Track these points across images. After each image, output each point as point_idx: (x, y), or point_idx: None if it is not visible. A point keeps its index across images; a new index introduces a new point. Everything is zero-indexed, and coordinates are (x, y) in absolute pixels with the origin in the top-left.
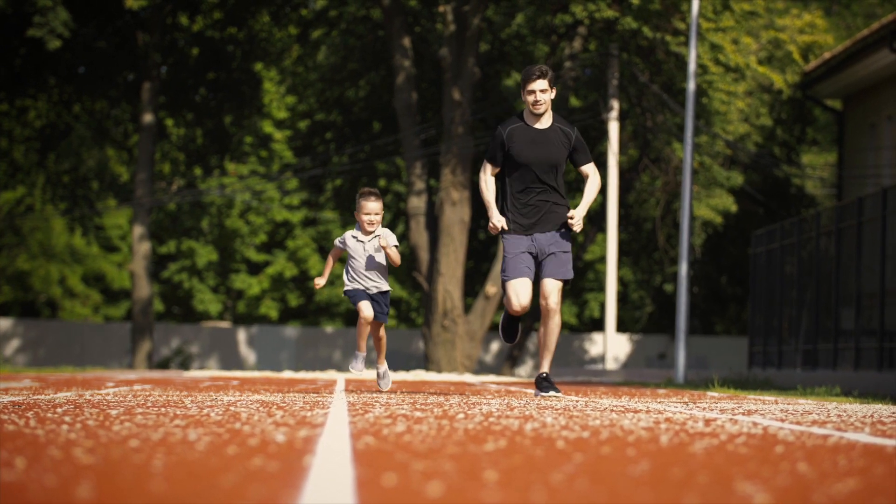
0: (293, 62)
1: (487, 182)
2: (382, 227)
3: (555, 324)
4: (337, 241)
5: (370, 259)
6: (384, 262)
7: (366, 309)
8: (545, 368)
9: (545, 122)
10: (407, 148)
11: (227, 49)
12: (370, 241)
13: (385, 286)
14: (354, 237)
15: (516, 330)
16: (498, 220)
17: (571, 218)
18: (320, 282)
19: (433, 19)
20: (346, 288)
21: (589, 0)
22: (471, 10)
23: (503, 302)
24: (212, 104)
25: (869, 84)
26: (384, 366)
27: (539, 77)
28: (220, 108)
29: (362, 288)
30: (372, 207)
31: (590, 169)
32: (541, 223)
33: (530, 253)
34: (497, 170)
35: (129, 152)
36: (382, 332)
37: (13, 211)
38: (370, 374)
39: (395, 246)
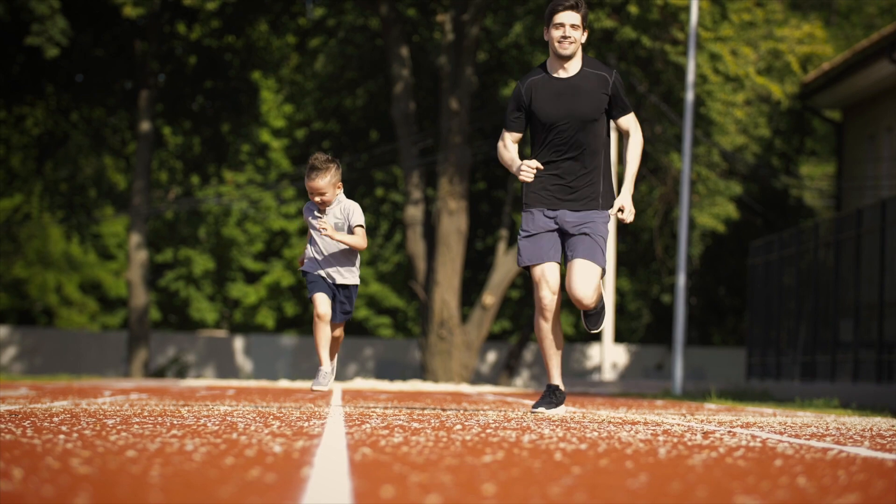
0: (291, 71)
1: (507, 146)
2: (356, 209)
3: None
4: (305, 210)
5: (328, 242)
6: (345, 247)
7: (320, 304)
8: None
9: (573, 68)
10: (404, 157)
11: (225, 58)
12: (328, 220)
13: (350, 279)
14: (311, 209)
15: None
16: (528, 161)
17: (621, 211)
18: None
19: (431, 28)
20: (304, 266)
21: (588, 10)
22: (469, 19)
23: (534, 298)
24: (209, 113)
25: (868, 95)
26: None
27: (570, 9)
28: (218, 117)
29: (322, 273)
30: (315, 187)
31: (629, 123)
32: (573, 199)
33: (552, 230)
34: (518, 137)
35: (126, 160)
36: (340, 331)
37: (10, 219)
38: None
39: (360, 226)
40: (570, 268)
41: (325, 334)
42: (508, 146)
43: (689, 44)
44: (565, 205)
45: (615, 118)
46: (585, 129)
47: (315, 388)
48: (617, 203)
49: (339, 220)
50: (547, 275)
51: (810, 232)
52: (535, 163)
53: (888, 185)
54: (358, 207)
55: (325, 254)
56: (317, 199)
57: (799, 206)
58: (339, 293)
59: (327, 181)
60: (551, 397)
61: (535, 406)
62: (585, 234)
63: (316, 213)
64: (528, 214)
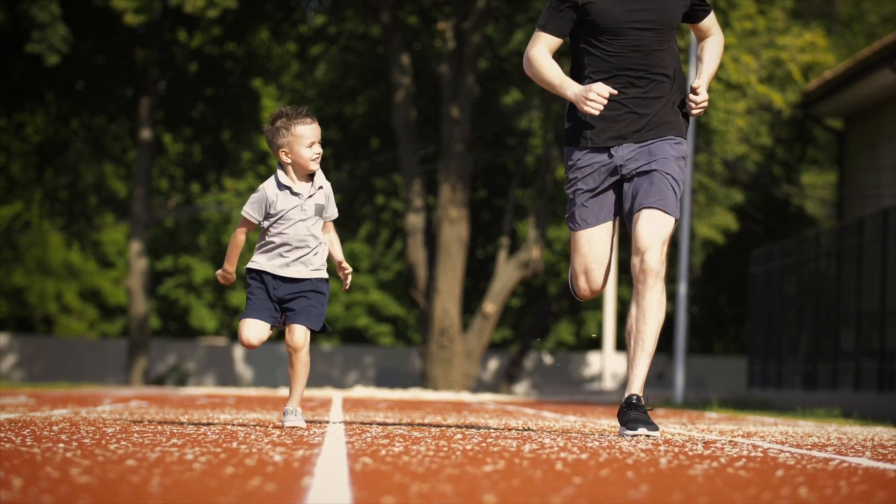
0: (292, 78)
1: (544, 56)
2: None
3: (655, 301)
4: (248, 210)
5: (308, 224)
6: (320, 235)
7: (250, 332)
8: (635, 389)
9: None
10: (405, 165)
11: (226, 65)
12: (312, 197)
13: (322, 270)
14: (287, 188)
15: None
16: (598, 86)
17: (695, 93)
18: (227, 275)
19: (432, 36)
20: (251, 265)
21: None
22: (470, 27)
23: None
24: (210, 120)
25: (870, 104)
26: (292, 405)
27: None
28: (219, 124)
29: (277, 270)
30: (313, 133)
31: (713, 23)
32: (638, 131)
33: (607, 188)
34: (558, 43)
35: (126, 168)
36: (301, 351)
37: (10, 226)
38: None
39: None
40: (636, 221)
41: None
42: (546, 57)
43: (690, 52)
44: (626, 138)
45: (698, 21)
46: (661, 40)
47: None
48: (696, 81)
49: (322, 203)
50: (587, 245)
51: (812, 241)
52: (607, 88)
53: (890, 195)
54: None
55: (301, 241)
56: (317, 151)
57: (800, 214)
58: (306, 296)
59: (319, 132)
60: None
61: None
62: (652, 171)
63: (294, 190)
64: (575, 154)
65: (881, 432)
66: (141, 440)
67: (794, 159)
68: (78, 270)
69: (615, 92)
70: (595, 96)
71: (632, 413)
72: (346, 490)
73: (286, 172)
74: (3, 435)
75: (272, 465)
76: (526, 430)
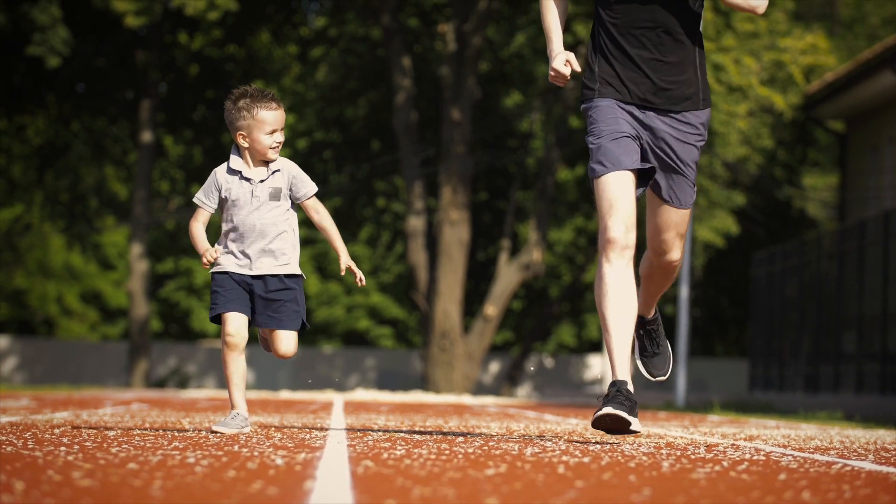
0: (292, 81)
1: (544, 3)
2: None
3: (663, 276)
4: (200, 196)
5: (263, 212)
6: (292, 220)
7: (233, 324)
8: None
9: None
10: (406, 167)
11: (227, 67)
12: (266, 181)
13: (292, 264)
14: (237, 172)
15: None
16: (561, 61)
17: None
18: (208, 255)
19: (433, 39)
20: (216, 268)
21: (591, 20)
22: (471, 29)
23: (599, 234)
24: (211, 122)
25: (871, 106)
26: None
27: None
28: (219, 127)
29: (241, 269)
30: (276, 118)
31: None
32: (660, 94)
33: (633, 136)
34: None
35: (127, 170)
36: (287, 346)
37: (11, 229)
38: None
39: (315, 195)
40: (661, 214)
41: (239, 368)
42: (550, 7)
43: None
44: (651, 102)
45: None
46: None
47: (218, 429)
48: None
49: (279, 186)
50: (616, 189)
51: (813, 243)
52: (568, 66)
53: (891, 197)
54: (296, 166)
55: (259, 233)
56: (278, 139)
57: (802, 217)
58: (275, 294)
59: (284, 116)
60: (620, 400)
61: (602, 409)
62: (673, 163)
63: (245, 174)
64: (598, 107)
65: (884, 435)
66: (142, 443)
67: (795, 161)
68: (79, 273)
69: (577, 67)
70: (558, 65)
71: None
72: (348, 493)
73: (241, 156)
74: (4, 438)
75: (274, 468)
76: (527, 433)
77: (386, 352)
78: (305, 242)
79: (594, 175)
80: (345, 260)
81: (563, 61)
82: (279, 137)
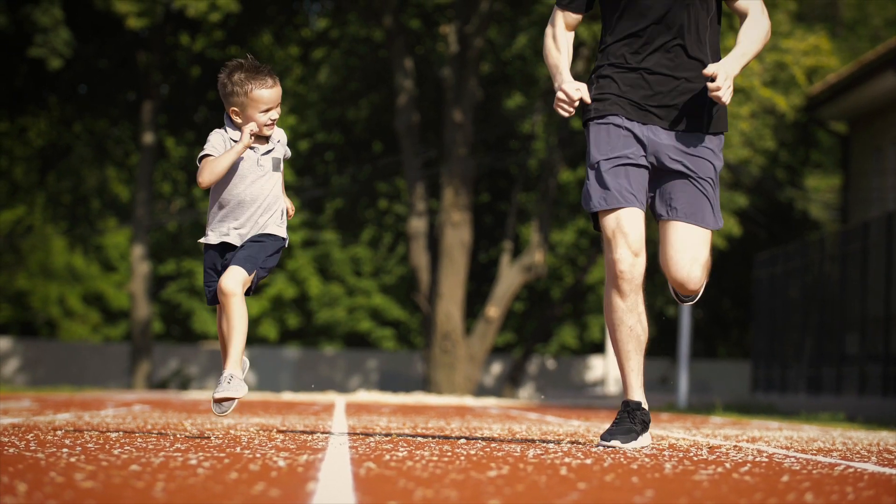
0: (294, 82)
1: (556, 37)
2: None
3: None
4: (210, 149)
5: (265, 183)
6: (280, 194)
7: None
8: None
9: None
10: (408, 169)
11: None
12: (270, 152)
13: (281, 228)
14: (237, 142)
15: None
16: (570, 86)
17: (712, 80)
18: (251, 132)
19: (435, 40)
20: (202, 238)
21: (593, 21)
22: (473, 31)
23: (605, 262)
24: (213, 124)
25: (874, 107)
26: (229, 369)
27: None
28: (221, 128)
29: (234, 238)
30: (272, 97)
31: (754, 5)
32: (666, 111)
33: (638, 164)
34: (576, 20)
35: (129, 172)
36: (233, 297)
37: (13, 231)
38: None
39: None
40: (666, 233)
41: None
42: (558, 36)
43: None
44: (655, 119)
45: None
46: (689, 8)
47: (217, 395)
48: (711, 68)
49: (279, 157)
50: (625, 225)
51: (816, 245)
52: (580, 92)
53: (894, 198)
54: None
55: (257, 204)
56: (274, 116)
57: (804, 218)
58: (256, 242)
59: (280, 94)
60: (630, 422)
61: (605, 436)
62: (686, 176)
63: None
64: (599, 128)
65: (886, 437)
66: (145, 445)
67: (797, 163)
68: (81, 274)
69: (588, 100)
70: (563, 96)
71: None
72: (351, 495)
73: (236, 129)
74: (6, 440)
75: (276, 470)
76: (530, 435)
77: (388, 353)
78: (306, 244)
79: (589, 207)
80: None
81: (576, 87)
82: (274, 114)
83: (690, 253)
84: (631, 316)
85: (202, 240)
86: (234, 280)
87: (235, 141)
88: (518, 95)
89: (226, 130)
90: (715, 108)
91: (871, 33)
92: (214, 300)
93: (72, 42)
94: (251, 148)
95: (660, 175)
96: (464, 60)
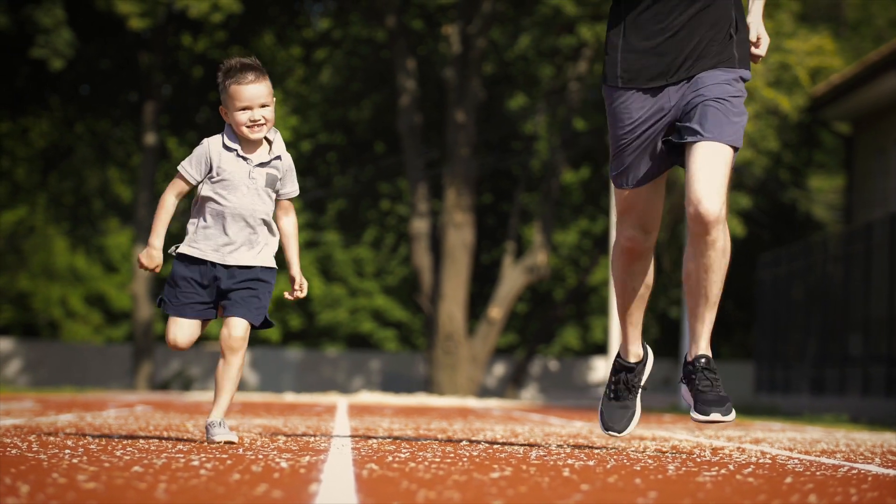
0: (296, 83)
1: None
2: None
3: (718, 252)
4: (185, 165)
5: (255, 198)
6: (272, 209)
7: (179, 332)
8: (702, 346)
9: None
10: (410, 170)
11: None
12: (266, 166)
13: (270, 256)
14: (233, 150)
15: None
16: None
17: (756, 45)
18: (153, 253)
19: (437, 40)
20: (184, 250)
21: (595, 22)
22: (475, 31)
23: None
24: (215, 125)
25: (878, 108)
26: (218, 415)
27: None
28: (223, 129)
29: (214, 257)
30: (250, 94)
31: None
32: (687, 62)
33: (658, 121)
34: None
35: (131, 173)
36: (239, 351)
37: (15, 231)
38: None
39: (291, 198)
40: (689, 158)
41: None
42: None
43: None
44: (676, 73)
45: None
46: None
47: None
48: (752, 27)
49: (278, 174)
50: (635, 198)
51: (819, 245)
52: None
53: None
54: (291, 160)
55: (247, 218)
56: (257, 115)
57: (807, 219)
58: (230, 283)
59: (268, 88)
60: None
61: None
62: (706, 101)
63: (241, 153)
64: (621, 96)
65: (890, 438)
66: (147, 446)
67: (801, 164)
68: (83, 275)
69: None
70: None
71: (702, 385)
72: (353, 496)
73: (235, 133)
74: (9, 441)
75: (278, 471)
76: (532, 436)
77: (390, 354)
78: (308, 245)
79: (618, 184)
80: (296, 271)
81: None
82: (254, 115)
83: (712, 169)
84: (641, 274)
85: (181, 249)
86: (244, 333)
87: (229, 149)
88: (520, 96)
89: (223, 137)
90: (737, 50)
91: (875, 34)
92: (195, 315)
93: (74, 43)
94: (243, 158)
95: (684, 112)
96: (466, 61)
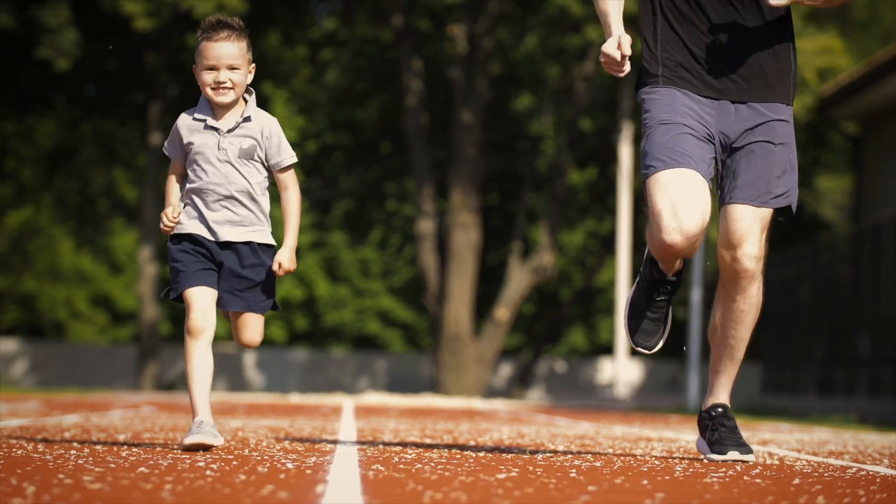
0: (302, 83)
1: None
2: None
3: (750, 305)
4: (166, 145)
5: (230, 170)
6: (263, 183)
7: (198, 307)
8: (721, 397)
9: None
10: (416, 170)
11: None
12: (235, 131)
13: (265, 232)
14: (201, 120)
15: (657, 308)
16: (614, 43)
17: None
18: (171, 215)
19: (444, 40)
20: (177, 229)
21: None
22: (482, 31)
23: (647, 236)
24: None
25: (886, 108)
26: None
27: None
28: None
29: (206, 234)
30: (216, 52)
31: None
32: (736, 78)
33: (703, 135)
34: None
35: (137, 173)
36: (253, 332)
37: (21, 232)
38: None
39: (290, 167)
40: (728, 212)
41: (203, 364)
42: None
43: None
44: (724, 87)
45: None
46: None
47: (190, 441)
48: None
49: (252, 141)
50: (675, 189)
51: (827, 246)
52: (625, 42)
53: None
54: (279, 126)
55: (226, 193)
56: (223, 76)
57: (815, 220)
58: (236, 266)
59: (241, 51)
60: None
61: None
62: (753, 146)
63: (209, 123)
64: (661, 96)
65: None
66: (153, 447)
67: (809, 164)
68: (88, 276)
69: (626, 51)
70: (603, 56)
71: (720, 432)
72: (359, 497)
73: (209, 102)
74: (15, 441)
75: (284, 472)
76: (539, 437)
77: (396, 355)
78: (314, 245)
79: (645, 173)
80: (283, 254)
81: (616, 44)
82: (219, 76)
83: (750, 220)
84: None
85: (176, 230)
86: (261, 329)
87: (198, 119)
88: (527, 96)
89: (193, 111)
90: (792, 80)
91: (883, 33)
92: (179, 299)
93: (79, 43)
94: (213, 129)
95: (733, 152)
96: (472, 61)
